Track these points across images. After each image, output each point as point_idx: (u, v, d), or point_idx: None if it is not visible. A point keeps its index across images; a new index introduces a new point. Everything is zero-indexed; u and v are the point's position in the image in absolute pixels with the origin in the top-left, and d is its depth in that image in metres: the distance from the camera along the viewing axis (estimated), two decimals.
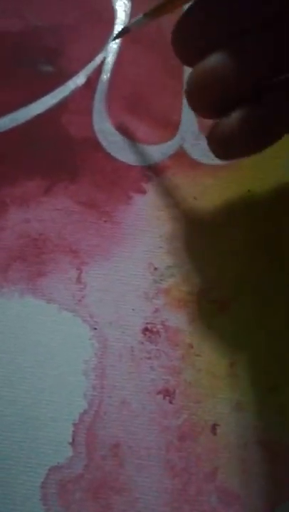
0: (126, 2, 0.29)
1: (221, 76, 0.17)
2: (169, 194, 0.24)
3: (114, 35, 0.25)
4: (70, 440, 0.19)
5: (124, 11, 0.29)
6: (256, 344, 0.21)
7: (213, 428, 0.19)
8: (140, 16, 0.21)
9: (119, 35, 0.24)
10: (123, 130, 0.25)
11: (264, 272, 0.22)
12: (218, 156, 0.19)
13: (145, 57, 0.28)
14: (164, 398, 0.20)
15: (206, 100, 0.18)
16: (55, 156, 0.25)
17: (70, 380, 0.20)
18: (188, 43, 0.18)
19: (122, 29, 0.23)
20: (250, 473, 0.19)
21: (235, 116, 0.17)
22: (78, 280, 0.22)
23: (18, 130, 0.25)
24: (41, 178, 0.24)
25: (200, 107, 0.18)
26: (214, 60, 0.17)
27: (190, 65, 0.18)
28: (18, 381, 0.20)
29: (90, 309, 0.21)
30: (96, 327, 0.21)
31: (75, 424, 0.19)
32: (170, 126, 0.25)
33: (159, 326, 0.21)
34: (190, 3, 0.18)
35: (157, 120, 0.25)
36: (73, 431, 0.19)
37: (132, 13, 0.29)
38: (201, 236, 0.23)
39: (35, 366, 0.20)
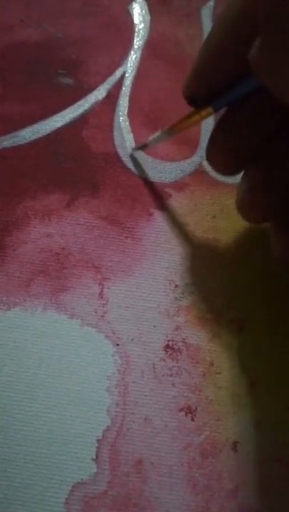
0: (145, 16, 0.30)
1: (258, 197, 0.19)
2: (188, 212, 0.24)
3: (134, 147, 0.26)
4: (94, 456, 0.19)
5: (144, 24, 0.29)
6: (275, 362, 0.21)
7: (234, 445, 0.20)
8: (159, 132, 0.23)
9: (138, 148, 0.25)
10: (144, 146, 0.25)
11: (282, 291, 0.22)
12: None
13: (165, 72, 0.28)
14: (186, 415, 0.20)
15: (253, 216, 0.20)
16: (76, 170, 0.25)
17: (93, 396, 0.20)
18: (222, 159, 0.20)
19: (142, 144, 0.25)
20: (271, 491, 0.19)
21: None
22: (100, 296, 0.22)
23: (40, 143, 0.25)
24: (62, 192, 0.24)
25: (251, 220, 0.21)
26: (248, 182, 0.19)
27: (228, 175, 0.20)
28: (42, 396, 0.20)
29: (113, 325, 0.21)
30: (118, 343, 0.21)
31: (98, 441, 0.19)
32: (189, 144, 0.26)
33: (180, 344, 0.21)
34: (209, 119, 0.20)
35: (177, 137, 0.26)
36: (97, 447, 0.19)
37: (152, 26, 0.29)
38: (220, 255, 0.23)
39: (59, 382, 0.20)
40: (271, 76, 0.15)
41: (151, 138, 0.24)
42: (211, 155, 0.20)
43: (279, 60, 0.14)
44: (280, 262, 0.23)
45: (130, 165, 0.25)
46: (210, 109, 0.19)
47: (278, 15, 0.14)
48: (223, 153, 0.19)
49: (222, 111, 0.19)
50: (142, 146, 0.25)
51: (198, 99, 0.19)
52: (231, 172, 0.20)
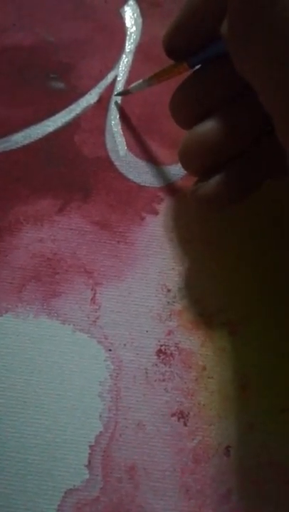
0: (137, 19, 0.30)
1: (209, 145, 0.20)
2: (180, 216, 0.24)
3: (116, 93, 0.27)
4: (86, 463, 0.19)
5: (136, 27, 0.29)
6: (267, 366, 0.21)
7: (227, 450, 0.20)
8: (140, 80, 0.24)
9: (120, 94, 0.27)
10: (135, 150, 0.25)
11: (275, 294, 0.22)
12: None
13: None
14: (178, 420, 0.20)
15: (196, 165, 0.21)
16: (68, 174, 0.25)
17: (85, 401, 0.20)
18: (184, 110, 0.21)
19: (123, 91, 0.26)
20: (264, 495, 0.19)
21: (213, 182, 0.20)
22: (93, 301, 0.22)
23: (32, 147, 0.25)
24: (54, 196, 0.24)
25: (190, 170, 0.21)
26: (204, 128, 0.20)
27: (186, 128, 0.21)
28: (34, 402, 0.20)
29: (105, 330, 0.21)
30: (111, 348, 0.21)
31: (91, 447, 0.19)
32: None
33: (172, 348, 0.21)
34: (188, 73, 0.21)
35: (169, 141, 0.26)
36: (89, 453, 0.19)
37: (144, 29, 0.29)
38: (212, 258, 0.23)
39: (51, 387, 0.20)
40: (236, 51, 0.17)
41: (132, 85, 0.25)
42: (174, 104, 0.21)
43: (242, 46, 0.16)
44: (271, 266, 0.23)
45: (122, 169, 0.25)
46: (185, 65, 0.20)
47: (243, 11, 0.15)
48: (187, 104, 0.20)
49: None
50: (125, 92, 0.26)
51: (177, 51, 0.20)
52: (189, 124, 0.21)
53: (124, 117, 0.26)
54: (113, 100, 0.27)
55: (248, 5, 0.15)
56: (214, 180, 0.20)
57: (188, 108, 0.21)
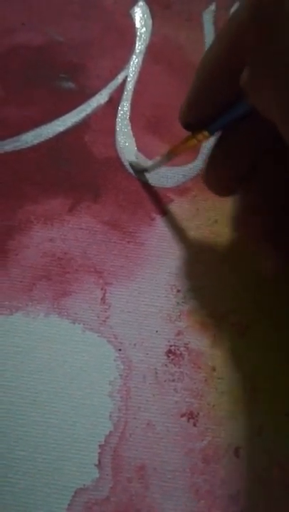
0: (147, 20, 0.30)
1: (258, 211, 0.20)
2: (190, 217, 0.24)
3: (134, 171, 0.25)
4: (96, 462, 0.19)
5: (146, 28, 0.30)
6: (276, 368, 0.21)
7: (236, 451, 0.20)
8: (158, 157, 0.23)
9: (138, 172, 0.25)
10: (145, 151, 0.25)
11: (284, 296, 0.22)
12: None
13: (167, 76, 0.28)
14: (188, 421, 0.20)
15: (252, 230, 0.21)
16: (78, 174, 0.25)
17: (95, 401, 0.20)
18: (221, 184, 0.21)
19: (142, 169, 0.25)
20: (272, 496, 0.19)
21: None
22: (103, 300, 0.22)
23: (41, 147, 0.25)
24: (64, 196, 0.24)
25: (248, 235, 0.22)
26: (243, 204, 0.20)
27: (225, 196, 0.21)
28: (44, 402, 0.20)
29: (115, 330, 0.21)
30: (120, 348, 0.21)
31: (101, 446, 0.19)
32: (191, 148, 0.26)
33: (182, 349, 0.21)
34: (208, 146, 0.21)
35: (178, 142, 0.26)
36: (99, 452, 0.19)
37: (154, 30, 0.29)
38: (221, 259, 0.23)
39: (61, 387, 0.20)
40: (259, 97, 0.16)
41: (151, 163, 0.24)
42: (209, 178, 0.21)
43: (265, 84, 0.15)
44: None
45: (132, 169, 0.25)
46: (206, 133, 0.20)
47: (266, 50, 0.15)
48: (221, 175, 0.20)
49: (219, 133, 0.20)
50: (143, 170, 0.25)
51: (194, 125, 0.20)
52: (228, 193, 0.21)
53: (134, 117, 0.27)
54: (119, 113, 0.26)
55: (269, 37, 0.15)
56: (273, 253, 0.20)
57: (224, 182, 0.20)
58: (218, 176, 0.20)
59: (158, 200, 0.24)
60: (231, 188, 0.21)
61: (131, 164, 0.25)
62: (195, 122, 0.20)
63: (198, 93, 0.19)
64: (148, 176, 0.25)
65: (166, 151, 0.23)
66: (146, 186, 0.25)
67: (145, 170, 0.25)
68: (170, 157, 0.23)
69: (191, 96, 0.19)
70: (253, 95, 0.16)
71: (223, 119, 0.19)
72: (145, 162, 0.25)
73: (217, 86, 0.18)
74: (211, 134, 0.20)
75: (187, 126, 0.20)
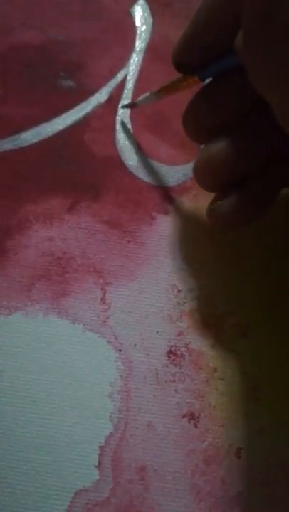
0: (147, 18, 0.30)
1: (221, 165, 0.19)
2: (191, 216, 0.24)
3: (122, 105, 0.26)
4: (97, 463, 0.19)
5: (146, 26, 0.29)
6: (278, 368, 0.21)
7: (238, 452, 0.20)
8: (148, 93, 0.23)
9: (126, 106, 0.26)
10: (146, 150, 0.25)
11: (285, 296, 0.22)
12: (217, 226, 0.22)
13: (166, 74, 0.28)
14: (188, 422, 0.20)
15: (209, 183, 0.21)
16: (77, 173, 0.25)
17: (95, 402, 0.20)
18: (196, 125, 0.20)
19: (130, 103, 0.25)
20: (274, 497, 0.19)
21: (228, 202, 0.20)
22: (102, 300, 0.22)
23: (41, 146, 0.25)
24: (64, 195, 0.24)
25: (204, 187, 0.21)
26: (215, 147, 0.19)
27: (199, 143, 0.21)
28: (43, 402, 0.20)
29: (115, 330, 0.21)
30: (121, 349, 0.21)
31: (101, 447, 0.19)
32: (191, 147, 0.26)
33: (183, 349, 0.21)
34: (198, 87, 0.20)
35: (179, 140, 0.26)
36: (99, 454, 0.19)
37: (154, 29, 0.29)
38: (222, 259, 0.23)
39: (61, 387, 0.20)
40: (252, 65, 0.16)
41: (140, 98, 0.24)
42: (187, 119, 0.20)
43: (259, 56, 0.15)
44: (281, 268, 0.23)
45: (132, 168, 0.25)
46: (196, 78, 0.20)
47: (265, 19, 0.15)
48: (199, 119, 0.20)
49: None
50: (131, 105, 0.25)
51: (186, 65, 0.20)
52: (202, 139, 0.20)
53: (133, 116, 0.26)
54: (119, 111, 0.26)
55: (266, 16, 0.15)
56: (229, 201, 0.20)
57: (200, 123, 0.20)
58: (195, 118, 0.20)
59: (158, 199, 0.24)
60: (205, 135, 0.20)
61: (124, 106, 0.26)
62: (187, 63, 0.20)
63: (195, 32, 0.19)
64: (149, 175, 0.25)
65: (157, 88, 0.22)
66: (147, 185, 0.25)
67: (134, 104, 0.25)
68: (159, 95, 0.23)
69: (187, 33, 0.19)
70: (247, 62, 0.16)
71: (214, 67, 0.19)
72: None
73: (210, 34, 0.18)
74: (202, 80, 0.20)
75: (179, 65, 0.20)
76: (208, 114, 0.20)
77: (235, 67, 0.18)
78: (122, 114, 0.26)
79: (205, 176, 0.20)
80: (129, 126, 0.26)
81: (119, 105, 0.26)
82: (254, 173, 0.20)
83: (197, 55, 0.19)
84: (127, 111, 0.26)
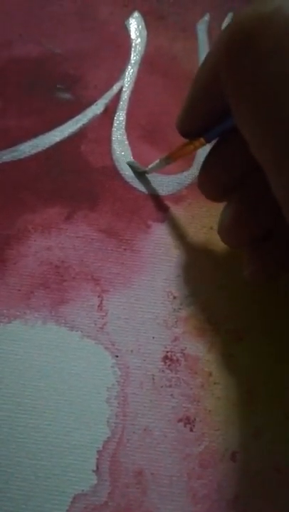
0: (142, 31, 0.30)
1: (244, 223, 0.20)
2: (185, 224, 0.25)
3: (134, 172, 0.26)
4: (95, 468, 0.19)
5: (141, 39, 0.30)
6: (273, 373, 0.21)
7: (233, 455, 0.20)
8: (157, 161, 0.24)
9: (138, 174, 0.26)
10: (141, 160, 0.26)
11: (280, 301, 0.23)
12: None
13: (161, 86, 0.29)
14: (184, 426, 0.20)
15: (234, 243, 0.22)
16: (74, 183, 0.25)
17: (93, 407, 0.20)
18: (213, 186, 0.21)
19: (141, 171, 0.25)
20: (271, 500, 0.19)
21: (255, 264, 0.21)
22: (100, 308, 0.22)
23: (39, 157, 0.26)
24: (61, 205, 0.25)
25: (233, 245, 0.22)
26: (236, 209, 0.20)
27: (219, 201, 0.21)
28: (42, 408, 0.20)
29: (112, 337, 0.22)
30: (118, 355, 0.21)
31: (99, 452, 0.20)
32: (185, 157, 0.26)
33: (178, 355, 0.22)
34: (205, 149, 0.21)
35: (176, 147, 0.26)
36: (97, 458, 0.20)
37: (148, 41, 0.30)
38: (217, 266, 0.24)
39: (59, 393, 0.21)
40: (235, 112, 0.17)
41: (150, 166, 0.25)
42: (202, 180, 0.21)
43: (237, 104, 0.17)
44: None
45: (128, 178, 0.25)
46: (202, 140, 0.20)
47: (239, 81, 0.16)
48: (214, 180, 0.21)
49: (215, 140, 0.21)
50: (143, 173, 0.25)
51: (192, 133, 0.21)
52: (219, 198, 0.21)
53: (129, 126, 0.27)
54: (115, 123, 0.26)
55: (235, 66, 0.16)
56: (255, 261, 0.21)
57: (215, 182, 0.21)
58: (210, 179, 0.21)
59: (154, 208, 0.25)
60: (222, 193, 0.21)
61: (130, 165, 0.26)
62: (192, 130, 0.21)
63: (192, 104, 0.20)
64: (144, 184, 0.25)
65: (164, 155, 0.23)
66: (143, 194, 0.25)
67: (144, 172, 0.25)
68: (168, 161, 0.23)
69: (186, 106, 0.20)
70: (234, 114, 0.17)
71: (218, 128, 0.20)
72: (143, 166, 0.25)
73: (207, 100, 0.19)
74: (208, 141, 0.20)
75: (185, 134, 0.21)
76: (221, 172, 0.20)
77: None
78: (118, 126, 0.27)
79: (231, 238, 0.21)
80: (125, 136, 0.27)
81: (129, 165, 0.26)
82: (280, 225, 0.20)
83: (201, 121, 0.20)
84: (123, 122, 0.27)
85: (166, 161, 0.23)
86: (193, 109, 0.20)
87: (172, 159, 0.23)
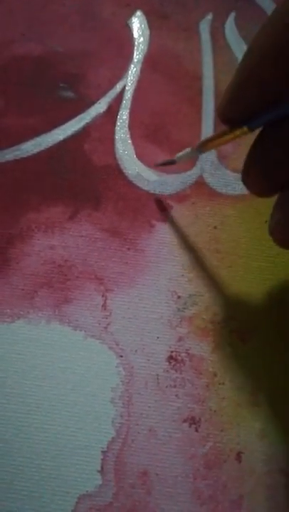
0: (145, 30, 0.30)
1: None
2: (189, 223, 0.24)
3: (160, 163, 0.25)
4: (99, 468, 0.19)
5: (143, 38, 0.30)
6: (278, 373, 0.21)
7: (238, 456, 0.20)
8: (188, 149, 0.22)
9: (165, 164, 0.24)
10: (144, 158, 0.26)
11: (285, 301, 0.23)
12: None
13: (164, 85, 0.29)
14: (189, 426, 0.20)
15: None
16: (78, 182, 0.25)
17: (97, 407, 0.20)
18: (260, 180, 0.18)
19: (169, 160, 0.24)
20: (274, 501, 0.19)
21: None
22: (104, 307, 0.22)
23: (42, 156, 0.26)
24: (65, 204, 0.24)
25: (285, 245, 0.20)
26: (275, 222, 0.19)
27: (267, 196, 0.19)
28: (46, 408, 0.20)
29: (116, 337, 0.22)
30: (122, 354, 0.21)
31: (103, 452, 0.20)
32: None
33: (183, 355, 0.21)
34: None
35: (177, 149, 0.26)
36: (102, 459, 0.19)
37: (151, 40, 0.30)
38: (221, 266, 0.24)
39: (63, 393, 0.20)
40: None
41: (179, 154, 0.23)
42: (246, 176, 0.19)
43: None
44: (279, 275, 0.23)
45: (131, 177, 0.25)
46: (245, 129, 0.18)
47: None
48: (260, 176, 0.18)
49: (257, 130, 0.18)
50: (170, 162, 0.24)
51: (234, 120, 0.18)
52: (268, 194, 0.19)
53: (132, 125, 0.27)
54: (118, 121, 0.25)
55: None
56: None
57: (263, 181, 0.18)
58: (258, 175, 0.18)
59: (157, 207, 0.25)
60: (271, 189, 0.19)
61: (159, 165, 0.24)
62: (235, 116, 0.18)
63: (242, 85, 0.17)
64: (148, 183, 0.25)
65: (198, 143, 0.21)
66: (146, 193, 0.25)
67: (173, 161, 0.23)
68: (201, 150, 0.21)
69: (233, 89, 0.17)
70: None
71: (268, 115, 0.17)
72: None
73: (267, 77, 0.16)
74: (251, 130, 0.18)
75: (227, 120, 0.18)
76: (269, 166, 0.18)
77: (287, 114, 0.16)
78: (121, 124, 0.27)
79: (281, 235, 0.19)
80: (128, 135, 0.27)
81: (157, 164, 0.25)
82: None
83: (248, 109, 0.17)
84: (126, 121, 0.27)
85: (199, 150, 0.21)
86: (242, 91, 0.17)
87: (207, 148, 0.20)
